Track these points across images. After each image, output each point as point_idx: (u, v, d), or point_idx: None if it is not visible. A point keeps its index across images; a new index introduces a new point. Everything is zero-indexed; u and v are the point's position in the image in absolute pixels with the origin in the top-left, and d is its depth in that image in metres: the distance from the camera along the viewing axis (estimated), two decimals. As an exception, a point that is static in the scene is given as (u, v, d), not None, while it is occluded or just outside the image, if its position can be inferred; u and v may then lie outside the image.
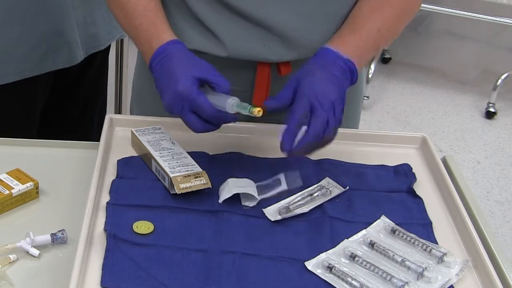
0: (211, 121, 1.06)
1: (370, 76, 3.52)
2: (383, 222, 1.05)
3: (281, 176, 1.10)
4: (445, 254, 0.99)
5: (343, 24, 1.19)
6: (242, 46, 1.18)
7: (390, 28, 1.19)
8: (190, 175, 1.06)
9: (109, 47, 1.73)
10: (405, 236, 1.02)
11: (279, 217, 1.03)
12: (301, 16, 1.17)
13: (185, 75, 1.05)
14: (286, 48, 1.18)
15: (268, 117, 1.25)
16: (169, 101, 1.06)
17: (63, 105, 1.70)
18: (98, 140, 1.17)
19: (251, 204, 1.06)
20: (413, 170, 1.18)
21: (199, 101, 1.03)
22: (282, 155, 1.18)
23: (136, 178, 1.10)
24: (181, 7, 1.19)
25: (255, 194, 1.05)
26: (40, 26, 1.49)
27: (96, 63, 1.69)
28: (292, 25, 1.17)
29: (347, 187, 1.11)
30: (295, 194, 1.09)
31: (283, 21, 1.17)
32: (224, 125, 1.24)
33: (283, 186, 1.08)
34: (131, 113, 1.38)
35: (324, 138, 1.04)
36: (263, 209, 1.05)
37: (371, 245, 1.00)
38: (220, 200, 1.05)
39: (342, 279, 0.94)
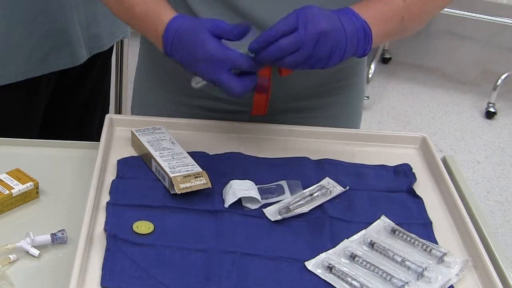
0: (251, 69, 1.02)
1: (370, 76, 3.53)
2: (383, 222, 1.05)
3: (284, 184, 1.10)
4: (445, 254, 0.99)
5: None
6: (242, 46, 1.18)
7: (418, 4, 1.12)
8: (190, 175, 1.06)
9: (112, 47, 1.73)
10: (405, 236, 1.02)
11: (279, 217, 1.03)
12: None
13: (205, 38, 1.03)
14: None
15: (269, 117, 1.26)
16: (205, 69, 1.03)
17: (65, 105, 1.70)
18: (98, 140, 1.16)
19: (253, 207, 1.05)
20: (413, 170, 1.18)
21: (233, 56, 1.01)
22: (282, 155, 1.19)
23: (136, 178, 1.10)
24: (181, 6, 1.19)
25: (259, 198, 1.05)
26: (42, 27, 1.49)
27: (98, 64, 1.69)
28: None
29: (347, 187, 1.11)
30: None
31: None
32: (224, 125, 1.25)
33: (287, 195, 1.08)
34: (132, 112, 1.38)
35: (285, 60, 1.01)
36: (263, 209, 1.05)
37: (371, 245, 1.00)
38: (226, 205, 1.04)
39: (342, 279, 0.94)
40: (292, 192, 1.09)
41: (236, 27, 1.03)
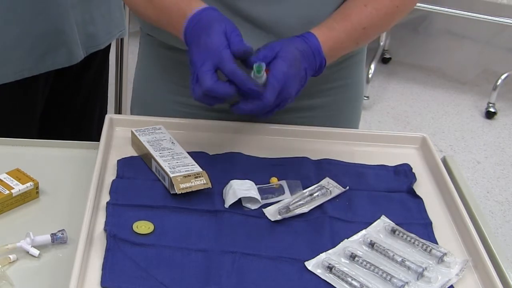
0: (232, 78, 1.03)
1: (370, 76, 3.53)
2: (383, 222, 1.05)
3: (284, 184, 1.10)
4: (445, 254, 0.99)
5: (335, 12, 1.17)
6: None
7: (377, 26, 1.19)
8: (190, 175, 1.06)
9: (109, 46, 1.73)
10: (405, 236, 1.02)
11: (279, 217, 1.03)
12: (301, 17, 1.17)
13: (217, 31, 1.04)
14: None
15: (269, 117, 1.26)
16: (195, 55, 1.04)
17: (63, 105, 1.70)
18: (98, 140, 1.16)
19: (253, 207, 1.05)
20: (413, 170, 1.18)
21: (224, 56, 1.02)
22: (282, 155, 1.19)
23: (136, 178, 1.10)
24: None
25: (259, 198, 1.05)
26: (39, 26, 1.49)
27: (96, 63, 1.69)
28: (292, 26, 1.17)
29: (347, 187, 1.11)
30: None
31: (282, 22, 1.17)
32: (224, 125, 1.25)
33: (287, 195, 1.08)
34: (131, 112, 1.38)
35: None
36: (263, 209, 1.05)
37: (371, 245, 1.00)
38: (227, 205, 1.04)
39: (342, 279, 0.94)
40: (292, 192, 1.09)
41: (245, 48, 1.04)
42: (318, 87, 1.27)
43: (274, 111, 1.08)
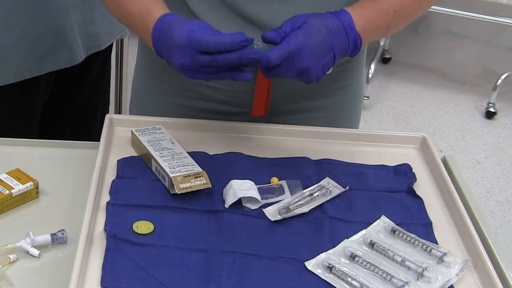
0: (225, 48, 1.01)
1: (370, 76, 3.52)
2: (383, 222, 1.05)
3: (284, 184, 1.10)
4: (445, 254, 0.99)
5: None
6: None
7: (406, 12, 1.17)
8: (190, 175, 1.06)
9: (110, 47, 1.73)
10: (405, 236, 1.02)
11: (279, 217, 1.03)
12: None
13: (180, 28, 1.03)
14: None
15: (268, 118, 1.26)
16: (177, 60, 1.03)
17: (65, 105, 1.70)
18: (98, 140, 1.16)
19: (253, 207, 1.05)
20: (413, 170, 1.18)
21: (198, 36, 1.00)
22: (282, 155, 1.19)
23: (136, 178, 1.10)
24: (182, 9, 1.19)
25: (259, 198, 1.05)
26: (39, 27, 1.49)
27: (97, 63, 1.69)
28: None
29: (347, 187, 1.11)
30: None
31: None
32: (224, 125, 1.25)
33: (287, 195, 1.08)
34: (131, 113, 1.38)
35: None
36: (263, 209, 1.05)
37: (371, 245, 1.00)
38: (227, 205, 1.04)
39: (342, 279, 0.94)
40: (292, 192, 1.09)
41: (220, 36, 1.02)
42: (320, 89, 1.27)
43: (279, 75, 1.05)
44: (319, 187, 1.09)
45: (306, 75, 1.05)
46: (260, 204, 1.06)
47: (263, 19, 1.16)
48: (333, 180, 1.13)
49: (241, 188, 1.05)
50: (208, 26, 1.04)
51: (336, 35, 1.06)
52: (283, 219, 1.03)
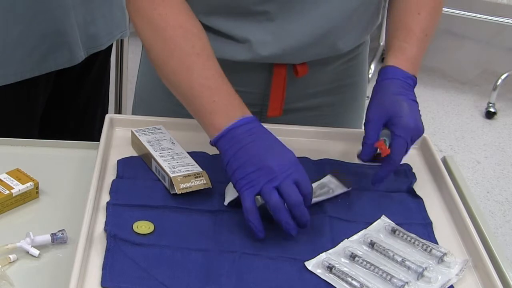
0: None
1: (370, 76, 3.52)
2: (383, 222, 1.05)
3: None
4: (445, 254, 0.99)
5: (392, 28, 1.20)
6: (262, 50, 1.17)
7: (432, 28, 1.21)
8: (190, 175, 1.06)
9: (110, 47, 1.73)
10: (405, 236, 1.02)
11: None
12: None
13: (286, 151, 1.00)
14: (303, 50, 1.18)
15: (281, 117, 1.26)
16: (272, 161, 0.97)
17: (65, 105, 1.70)
18: (98, 140, 1.16)
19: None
20: (413, 170, 1.18)
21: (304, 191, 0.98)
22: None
23: (136, 178, 1.10)
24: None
25: (260, 199, 1.05)
26: (40, 26, 1.49)
27: (97, 63, 1.69)
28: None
29: (350, 188, 1.10)
30: None
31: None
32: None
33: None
34: (134, 114, 1.38)
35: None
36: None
37: (371, 245, 1.00)
38: (226, 202, 1.04)
39: (342, 279, 0.94)
40: None
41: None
42: (327, 85, 1.27)
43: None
44: (320, 186, 1.09)
45: (418, 134, 1.11)
46: (260, 204, 1.05)
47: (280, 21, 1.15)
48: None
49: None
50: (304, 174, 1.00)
51: (406, 92, 1.12)
52: (283, 219, 1.03)
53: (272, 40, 1.16)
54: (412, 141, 1.09)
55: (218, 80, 1.05)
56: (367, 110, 1.12)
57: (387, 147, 1.08)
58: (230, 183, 1.06)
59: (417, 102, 1.13)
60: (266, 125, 1.24)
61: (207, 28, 1.15)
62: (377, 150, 1.09)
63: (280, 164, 0.97)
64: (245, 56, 1.17)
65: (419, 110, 1.13)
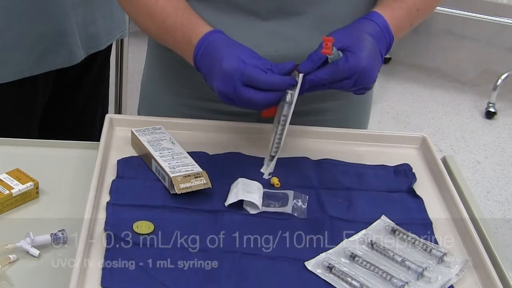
0: (272, 87, 1.03)
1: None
2: (383, 222, 1.05)
3: (290, 194, 1.08)
4: (445, 254, 0.99)
5: None
6: (255, 50, 1.17)
7: (426, 9, 1.20)
8: (190, 175, 1.06)
9: (110, 47, 1.73)
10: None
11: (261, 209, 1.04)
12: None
13: (230, 54, 1.04)
14: (297, 53, 1.18)
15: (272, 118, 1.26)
16: (218, 85, 1.04)
17: (64, 105, 1.70)
18: (98, 140, 1.16)
19: (252, 211, 1.05)
20: (413, 170, 1.18)
21: (249, 70, 1.02)
22: (282, 155, 1.18)
23: (136, 178, 1.10)
24: None
25: (259, 204, 1.05)
26: (39, 26, 1.49)
27: (97, 63, 1.69)
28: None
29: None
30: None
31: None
32: (224, 125, 1.24)
33: (288, 207, 1.06)
34: (139, 114, 1.37)
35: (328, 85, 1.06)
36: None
37: (371, 245, 1.00)
38: (226, 204, 1.04)
39: (342, 279, 0.94)
40: (294, 209, 1.07)
41: (273, 67, 1.04)
42: (329, 91, 1.27)
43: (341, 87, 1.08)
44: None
45: (366, 80, 1.07)
46: (259, 211, 1.05)
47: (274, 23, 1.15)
48: (333, 180, 1.13)
49: (245, 190, 1.05)
50: (256, 56, 1.05)
51: (378, 39, 1.09)
52: (283, 219, 1.03)
53: (264, 41, 1.16)
54: (356, 82, 1.06)
55: (172, 16, 1.12)
56: (333, 31, 1.09)
57: (331, 57, 1.04)
58: (236, 181, 1.06)
59: (382, 58, 1.10)
60: (263, 125, 1.24)
61: None
62: (319, 64, 1.05)
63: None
64: None
65: (379, 65, 1.09)
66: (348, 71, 1.04)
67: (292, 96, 1.05)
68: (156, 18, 1.14)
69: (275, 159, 1.08)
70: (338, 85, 1.06)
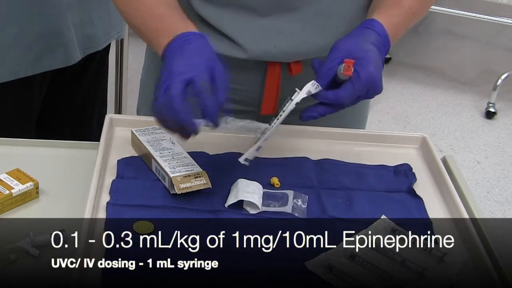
0: (176, 118, 1.01)
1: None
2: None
3: (290, 194, 1.09)
4: (445, 254, 0.99)
5: None
6: (254, 47, 1.17)
7: (420, 11, 1.21)
8: (190, 175, 1.06)
9: (108, 47, 1.73)
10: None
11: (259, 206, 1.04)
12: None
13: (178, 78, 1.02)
14: (296, 48, 1.18)
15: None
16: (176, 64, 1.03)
17: (63, 105, 1.69)
18: (98, 140, 1.16)
19: (252, 211, 1.05)
20: (413, 170, 1.18)
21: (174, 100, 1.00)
22: (282, 155, 1.19)
23: (136, 178, 1.10)
24: (188, 12, 1.18)
25: (259, 204, 1.05)
26: (35, 27, 1.49)
27: (94, 63, 1.69)
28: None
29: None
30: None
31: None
32: (224, 125, 1.24)
33: (288, 207, 1.07)
34: (138, 115, 1.37)
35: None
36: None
37: (371, 245, 1.00)
38: (226, 205, 1.04)
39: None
40: (294, 209, 1.07)
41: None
42: None
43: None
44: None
45: (376, 91, 1.08)
46: (259, 211, 1.05)
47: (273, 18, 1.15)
48: (333, 180, 1.13)
49: (245, 190, 1.05)
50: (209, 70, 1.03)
51: (380, 48, 1.10)
52: (282, 219, 1.03)
53: (263, 37, 1.16)
54: (367, 95, 1.07)
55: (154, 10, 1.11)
56: (338, 39, 1.10)
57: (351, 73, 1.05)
58: (236, 182, 1.06)
59: (383, 65, 1.12)
60: (266, 125, 1.24)
61: (203, 22, 1.16)
62: (331, 78, 1.07)
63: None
64: (237, 53, 1.17)
65: (382, 73, 1.11)
66: (362, 88, 1.06)
67: (298, 94, 1.06)
68: (137, 8, 1.13)
69: (255, 147, 1.08)
70: (354, 102, 1.08)
